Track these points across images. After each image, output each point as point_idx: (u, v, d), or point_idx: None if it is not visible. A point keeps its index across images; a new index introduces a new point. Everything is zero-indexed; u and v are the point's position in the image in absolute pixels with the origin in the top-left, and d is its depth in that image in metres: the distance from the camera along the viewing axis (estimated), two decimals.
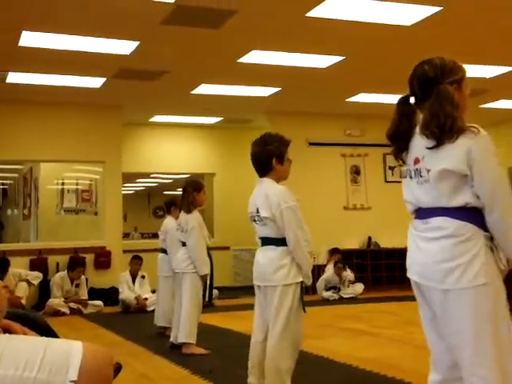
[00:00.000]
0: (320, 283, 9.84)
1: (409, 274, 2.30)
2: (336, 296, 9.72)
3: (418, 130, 2.26)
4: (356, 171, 11.36)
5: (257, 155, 3.62)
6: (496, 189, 2.13)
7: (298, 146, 10.59)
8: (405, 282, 11.13)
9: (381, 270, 10.91)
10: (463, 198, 2.13)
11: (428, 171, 2.19)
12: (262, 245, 3.62)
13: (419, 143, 2.24)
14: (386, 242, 11.03)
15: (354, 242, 11.04)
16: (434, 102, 2.20)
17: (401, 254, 10.73)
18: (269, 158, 3.55)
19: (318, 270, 10.03)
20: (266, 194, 3.55)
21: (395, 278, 10.83)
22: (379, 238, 11.11)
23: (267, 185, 3.58)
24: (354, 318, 7.50)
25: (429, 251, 2.17)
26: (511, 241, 2.14)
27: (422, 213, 2.24)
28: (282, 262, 3.50)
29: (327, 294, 9.70)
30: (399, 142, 2.31)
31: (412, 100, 2.32)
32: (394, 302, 8.98)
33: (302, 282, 3.53)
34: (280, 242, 3.52)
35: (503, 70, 8.55)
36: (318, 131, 11.08)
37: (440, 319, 2.18)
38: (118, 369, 3.83)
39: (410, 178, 2.27)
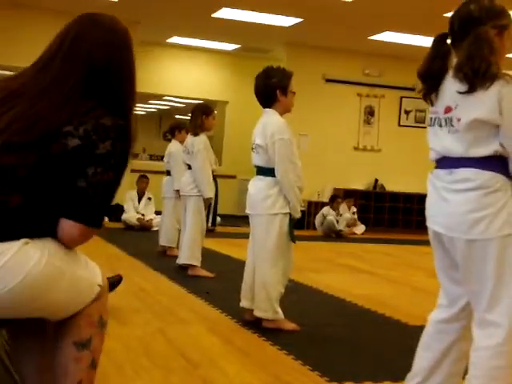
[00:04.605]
0: (317, 219, 9.89)
1: (429, 224, 2.26)
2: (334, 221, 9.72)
3: (450, 72, 2.19)
4: (370, 112, 11.22)
5: (260, 88, 3.69)
6: None
7: (315, 81, 10.45)
8: (407, 226, 11.12)
9: (383, 213, 10.97)
10: (493, 147, 2.10)
11: (458, 120, 2.14)
12: (256, 174, 3.72)
13: (451, 87, 2.17)
14: (391, 186, 11.04)
15: (360, 183, 11.03)
16: (471, 43, 2.13)
17: (405, 198, 10.80)
18: (273, 90, 3.62)
19: (320, 207, 10.08)
20: (265, 123, 3.64)
21: (397, 221, 10.93)
22: (386, 181, 11.10)
23: (269, 115, 3.66)
24: (353, 256, 7.58)
25: (455, 202, 2.14)
26: None
27: (447, 162, 2.19)
28: (269, 191, 3.58)
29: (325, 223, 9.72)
30: (431, 81, 2.24)
31: (449, 40, 2.24)
32: (394, 244, 9.06)
33: (290, 214, 3.59)
34: (268, 172, 3.59)
35: None
36: (336, 68, 10.87)
37: (461, 268, 2.17)
38: (118, 280, 3.93)
39: (440, 126, 2.21)
